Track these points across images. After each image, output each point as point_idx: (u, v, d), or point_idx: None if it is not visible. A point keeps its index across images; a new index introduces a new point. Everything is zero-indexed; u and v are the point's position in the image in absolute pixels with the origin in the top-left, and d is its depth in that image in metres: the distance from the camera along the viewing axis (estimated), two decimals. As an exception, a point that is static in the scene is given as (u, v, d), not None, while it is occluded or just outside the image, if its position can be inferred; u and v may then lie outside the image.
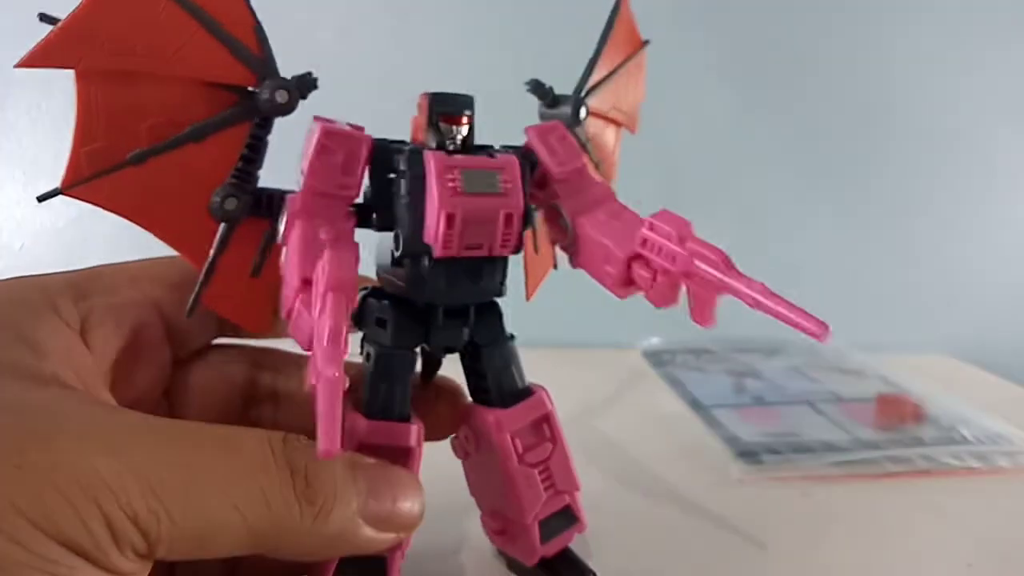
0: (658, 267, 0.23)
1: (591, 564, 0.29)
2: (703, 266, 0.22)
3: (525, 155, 0.26)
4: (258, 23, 0.23)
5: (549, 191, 0.26)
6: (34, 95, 0.63)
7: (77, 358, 0.22)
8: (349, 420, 0.24)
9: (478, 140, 0.26)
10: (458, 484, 0.30)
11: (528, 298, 0.31)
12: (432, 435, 0.28)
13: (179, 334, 0.26)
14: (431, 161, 0.23)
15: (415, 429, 0.25)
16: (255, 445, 0.20)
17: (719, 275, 0.21)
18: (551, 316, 0.64)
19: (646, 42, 0.33)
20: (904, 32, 0.70)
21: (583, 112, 0.29)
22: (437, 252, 0.23)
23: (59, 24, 0.21)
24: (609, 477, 0.41)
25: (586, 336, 0.66)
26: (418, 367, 0.28)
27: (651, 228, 0.24)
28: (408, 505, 0.22)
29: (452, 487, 0.29)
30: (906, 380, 0.58)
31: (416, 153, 0.24)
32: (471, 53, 0.65)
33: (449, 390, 0.29)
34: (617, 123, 0.33)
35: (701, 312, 0.22)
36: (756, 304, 0.20)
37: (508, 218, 0.24)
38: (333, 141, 0.23)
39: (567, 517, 0.29)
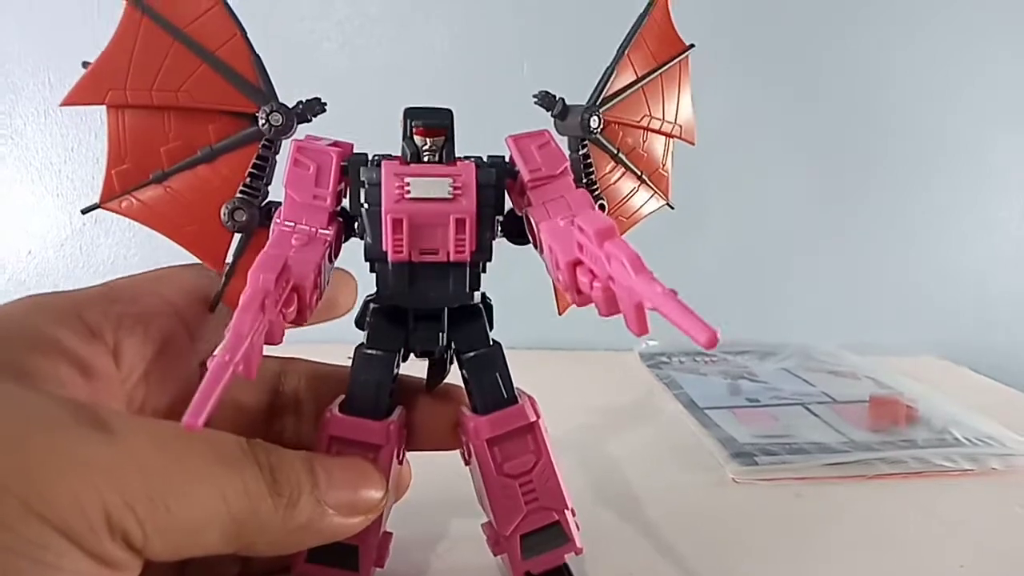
0: (598, 272, 0.22)
1: (586, 564, 0.29)
2: (615, 268, 0.21)
3: (505, 164, 0.27)
4: (256, 56, 0.26)
5: (526, 198, 0.26)
6: (42, 102, 0.64)
7: (97, 366, 0.23)
8: (327, 416, 0.26)
9: (489, 150, 0.27)
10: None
11: (560, 313, 0.30)
12: (433, 442, 0.29)
13: (198, 339, 0.27)
14: (384, 170, 0.25)
15: (385, 427, 0.26)
16: (231, 443, 0.21)
17: (627, 280, 0.20)
18: (549, 318, 0.65)
19: (690, 46, 0.31)
20: (903, 38, 0.70)
21: (594, 122, 0.28)
22: (389, 257, 0.25)
23: (88, 68, 0.25)
24: (605, 477, 0.41)
25: (583, 338, 0.67)
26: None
27: (580, 231, 0.23)
28: (369, 491, 0.24)
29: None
30: (898, 382, 0.59)
31: (376, 164, 0.25)
32: (481, 61, 0.66)
33: (442, 400, 0.29)
34: (663, 133, 0.31)
35: (629, 318, 0.20)
36: (655, 309, 0.19)
37: (459, 223, 0.25)
38: (305, 156, 0.25)
39: (555, 535, 0.28)
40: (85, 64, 0.25)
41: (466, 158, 0.26)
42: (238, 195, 0.26)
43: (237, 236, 0.26)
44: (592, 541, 0.30)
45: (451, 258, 0.25)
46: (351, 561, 0.26)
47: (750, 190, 0.71)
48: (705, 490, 0.40)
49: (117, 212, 0.26)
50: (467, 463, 0.29)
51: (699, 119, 0.72)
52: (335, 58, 0.65)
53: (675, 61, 0.31)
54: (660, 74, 0.30)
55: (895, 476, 0.42)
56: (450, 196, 0.24)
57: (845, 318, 0.73)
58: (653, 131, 0.31)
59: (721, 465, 0.43)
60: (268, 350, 0.28)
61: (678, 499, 0.39)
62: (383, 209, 0.24)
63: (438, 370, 0.29)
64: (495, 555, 0.30)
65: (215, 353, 0.19)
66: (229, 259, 0.27)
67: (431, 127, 0.25)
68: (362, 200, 0.25)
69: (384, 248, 0.25)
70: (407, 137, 0.26)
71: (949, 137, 0.72)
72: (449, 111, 0.26)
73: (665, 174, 0.32)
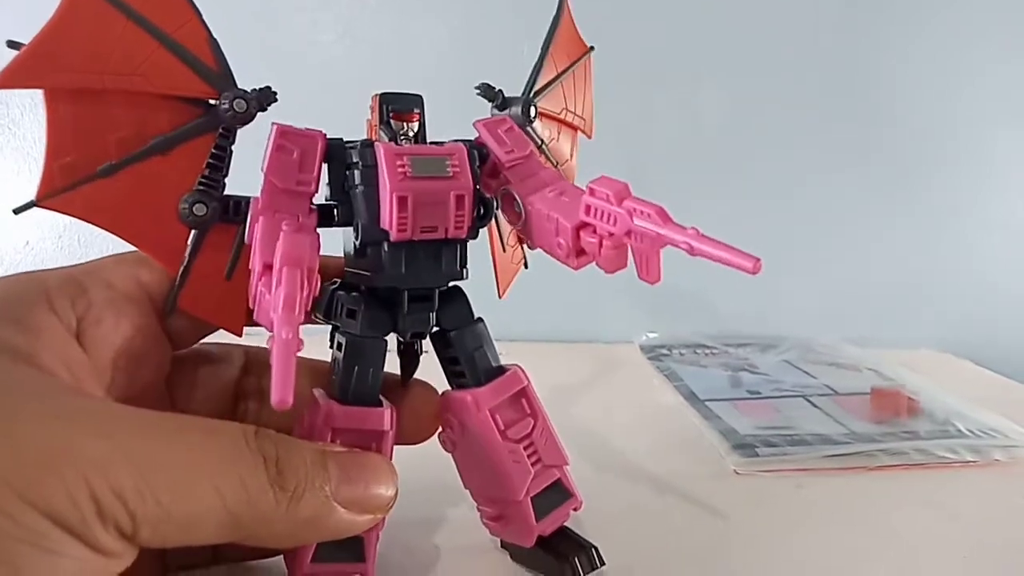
0: (603, 232, 0.24)
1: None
2: (640, 222, 0.22)
3: (476, 147, 0.27)
4: (212, 38, 0.24)
5: (501, 179, 0.28)
6: (38, 91, 0.63)
7: (69, 354, 0.23)
8: (324, 407, 0.25)
9: (459, 136, 0.27)
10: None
11: (500, 296, 0.32)
12: (417, 433, 0.29)
13: (174, 329, 0.27)
14: (381, 151, 0.25)
15: (387, 413, 0.26)
16: (232, 434, 0.21)
17: (656, 228, 0.22)
18: (550, 310, 0.65)
19: (591, 48, 0.33)
20: (903, 38, 0.70)
21: (532, 111, 0.30)
22: (393, 236, 0.24)
23: (23, 48, 0.22)
24: (607, 469, 0.41)
25: (584, 331, 0.67)
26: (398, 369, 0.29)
27: (591, 193, 0.24)
28: (381, 489, 0.23)
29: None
30: (900, 374, 0.59)
31: (367, 146, 0.25)
32: (480, 51, 0.65)
33: (424, 387, 0.29)
34: (572, 127, 0.33)
35: (646, 269, 0.23)
36: (691, 249, 0.21)
37: (459, 199, 0.25)
38: (288, 140, 0.25)
39: (559, 492, 0.29)
40: (13, 44, 0.22)
41: (435, 143, 0.27)
42: (197, 187, 0.25)
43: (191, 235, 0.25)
44: (591, 532, 0.30)
45: (449, 234, 0.25)
46: (356, 551, 0.26)
47: (750, 186, 0.71)
48: (706, 482, 0.40)
49: (58, 210, 0.23)
50: (451, 449, 0.29)
51: (703, 113, 0.73)
52: (334, 48, 0.65)
53: (581, 60, 0.33)
54: (572, 72, 0.32)
55: (897, 467, 0.42)
56: (449, 174, 0.25)
57: (846, 312, 0.72)
58: (566, 124, 0.33)
59: (722, 457, 0.43)
60: (230, 337, 0.28)
61: (679, 491, 0.39)
62: (387, 188, 0.24)
63: (410, 360, 0.29)
64: (498, 533, 0.30)
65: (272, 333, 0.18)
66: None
67: (407, 111, 0.26)
68: (356, 182, 0.25)
69: (387, 228, 0.24)
70: (384, 122, 0.26)
71: (953, 133, 0.72)
72: (420, 96, 0.27)
73: (573, 165, 0.34)
